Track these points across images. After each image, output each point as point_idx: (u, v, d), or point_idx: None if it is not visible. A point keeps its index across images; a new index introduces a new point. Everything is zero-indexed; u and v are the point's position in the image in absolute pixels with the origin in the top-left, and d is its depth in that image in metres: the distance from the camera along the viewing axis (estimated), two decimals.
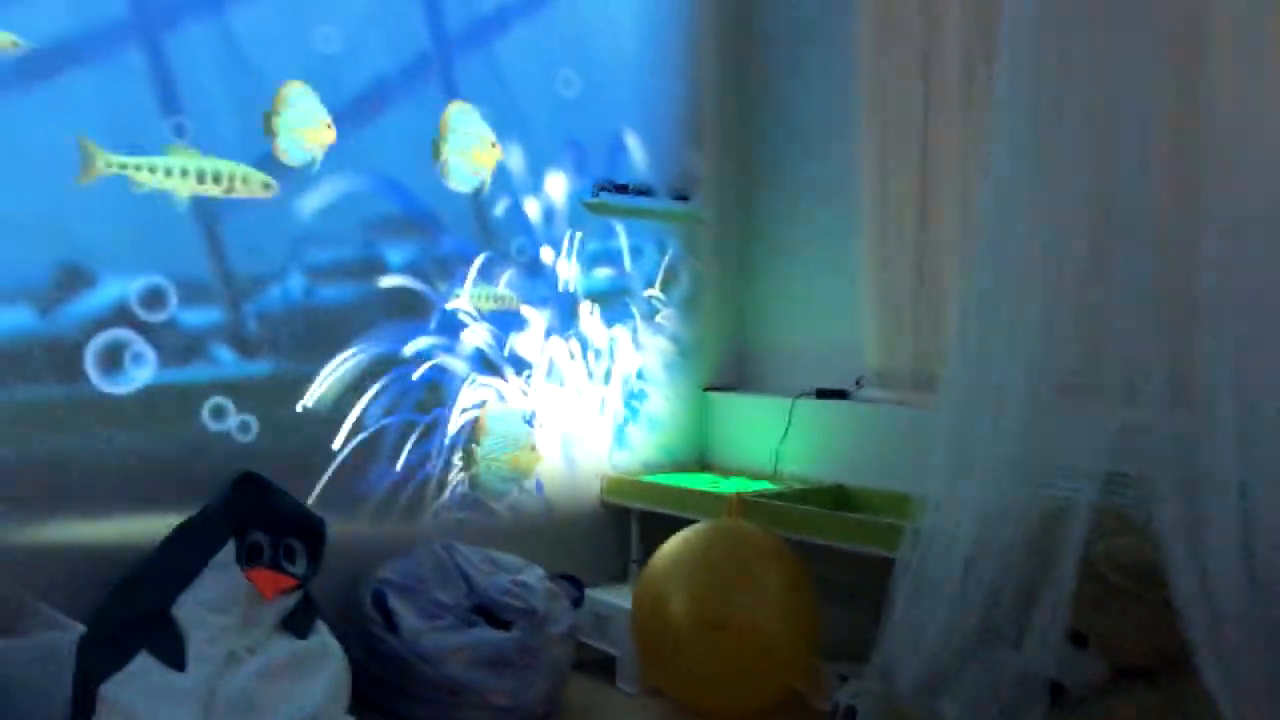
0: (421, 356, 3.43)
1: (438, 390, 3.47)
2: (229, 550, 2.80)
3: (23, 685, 2.51)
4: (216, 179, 3.02)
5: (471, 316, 3.54)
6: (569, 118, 3.73)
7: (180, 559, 2.79)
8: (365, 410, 3.31)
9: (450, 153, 3.47)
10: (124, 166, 2.90)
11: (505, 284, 3.61)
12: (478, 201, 3.55)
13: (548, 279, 3.71)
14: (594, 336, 3.83)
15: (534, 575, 3.27)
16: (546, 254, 3.70)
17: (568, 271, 3.75)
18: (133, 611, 2.72)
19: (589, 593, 3.41)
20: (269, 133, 3.12)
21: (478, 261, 3.54)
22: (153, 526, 2.89)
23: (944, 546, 2.66)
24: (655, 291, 3.99)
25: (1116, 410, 2.46)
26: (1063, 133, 2.58)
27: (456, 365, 3.51)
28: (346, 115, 3.26)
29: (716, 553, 3.08)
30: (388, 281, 3.37)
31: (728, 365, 4.15)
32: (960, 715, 2.50)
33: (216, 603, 2.73)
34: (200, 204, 3.02)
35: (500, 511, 3.63)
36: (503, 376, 3.62)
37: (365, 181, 3.31)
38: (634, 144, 3.90)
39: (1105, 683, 2.44)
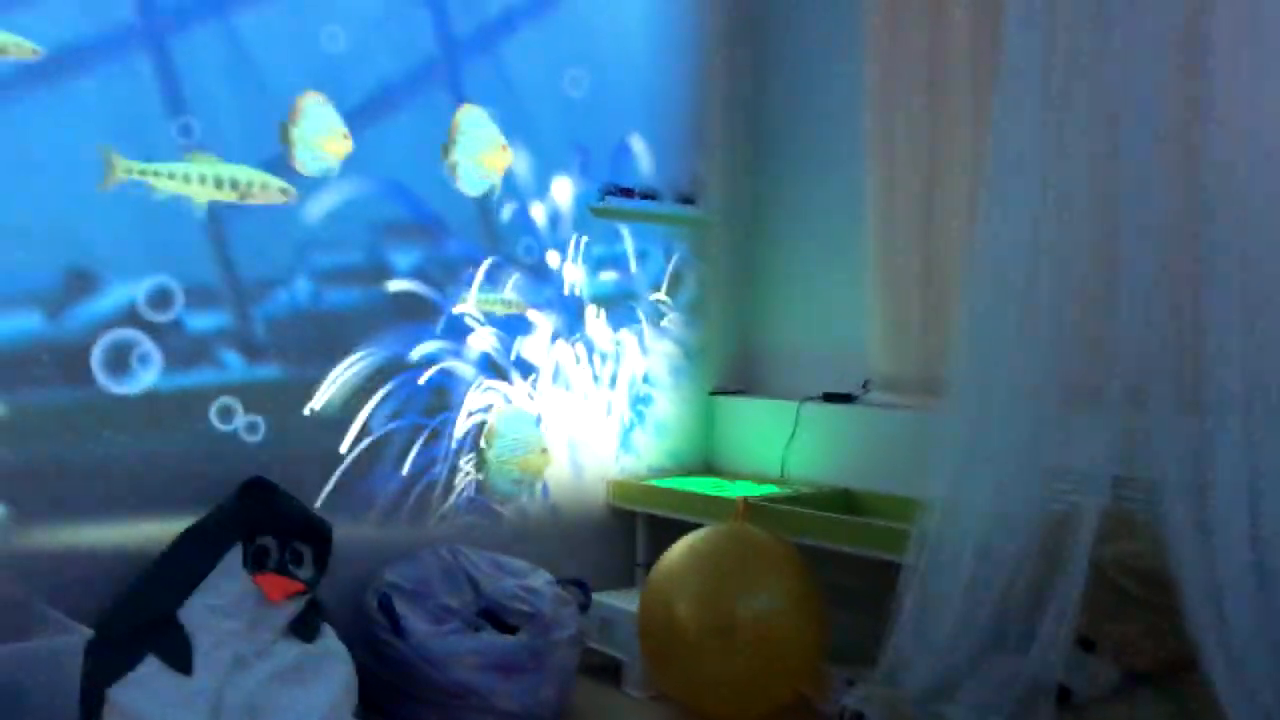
0: (428, 361, 3.44)
1: (444, 394, 3.48)
2: (236, 554, 2.80)
3: (31, 689, 2.51)
4: (234, 185, 3.03)
5: (478, 321, 3.54)
6: (575, 122, 3.73)
7: (187, 563, 2.80)
8: (372, 414, 3.32)
9: (460, 156, 3.48)
10: (144, 173, 2.91)
11: (511, 288, 3.61)
12: (484, 206, 3.55)
13: (554, 283, 3.71)
14: (600, 340, 3.83)
15: (540, 580, 3.27)
16: (552, 258, 3.71)
17: (574, 275, 3.75)
18: (140, 616, 2.72)
19: (595, 597, 3.41)
20: (285, 142, 3.13)
21: (484, 266, 3.55)
22: (160, 530, 2.89)
23: (951, 551, 2.66)
24: (661, 295, 3.99)
25: (1124, 414, 2.46)
26: (1067, 136, 2.58)
27: (463, 369, 3.51)
28: (353, 120, 3.26)
29: (723, 557, 3.08)
30: (394, 286, 3.37)
31: (734, 369, 4.15)
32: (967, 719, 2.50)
33: (224, 607, 2.73)
34: (208, 209, 3.03)
35: (507, 516, 3.63)
36: (509, 381, 3.62)
37: (372, 186, 3.31)
38: (640, 148, 3.90)
39: (1114, 688, 2.43)
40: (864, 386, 3.63)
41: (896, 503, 3.27)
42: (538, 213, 3.66)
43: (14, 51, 2.74)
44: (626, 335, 3.89)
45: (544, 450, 3.69)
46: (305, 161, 3.15)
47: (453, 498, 3.50)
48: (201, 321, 3.03)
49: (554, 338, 3.71)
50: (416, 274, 3.41)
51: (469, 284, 3.52)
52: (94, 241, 2.86)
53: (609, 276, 3.85)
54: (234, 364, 3.09)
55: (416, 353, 3.41)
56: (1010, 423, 2.63)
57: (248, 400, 3.10)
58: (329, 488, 3.24)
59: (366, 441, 3.31)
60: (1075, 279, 2.59)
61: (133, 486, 2.92)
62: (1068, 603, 2.40)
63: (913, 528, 2.77)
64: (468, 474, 3.54)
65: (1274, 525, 2.25)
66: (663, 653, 3.11)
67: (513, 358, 3.62)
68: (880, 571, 2.91)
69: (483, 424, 3.56)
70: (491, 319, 3.57)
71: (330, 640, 2.89)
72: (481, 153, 3.52)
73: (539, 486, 3.70)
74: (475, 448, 3.54)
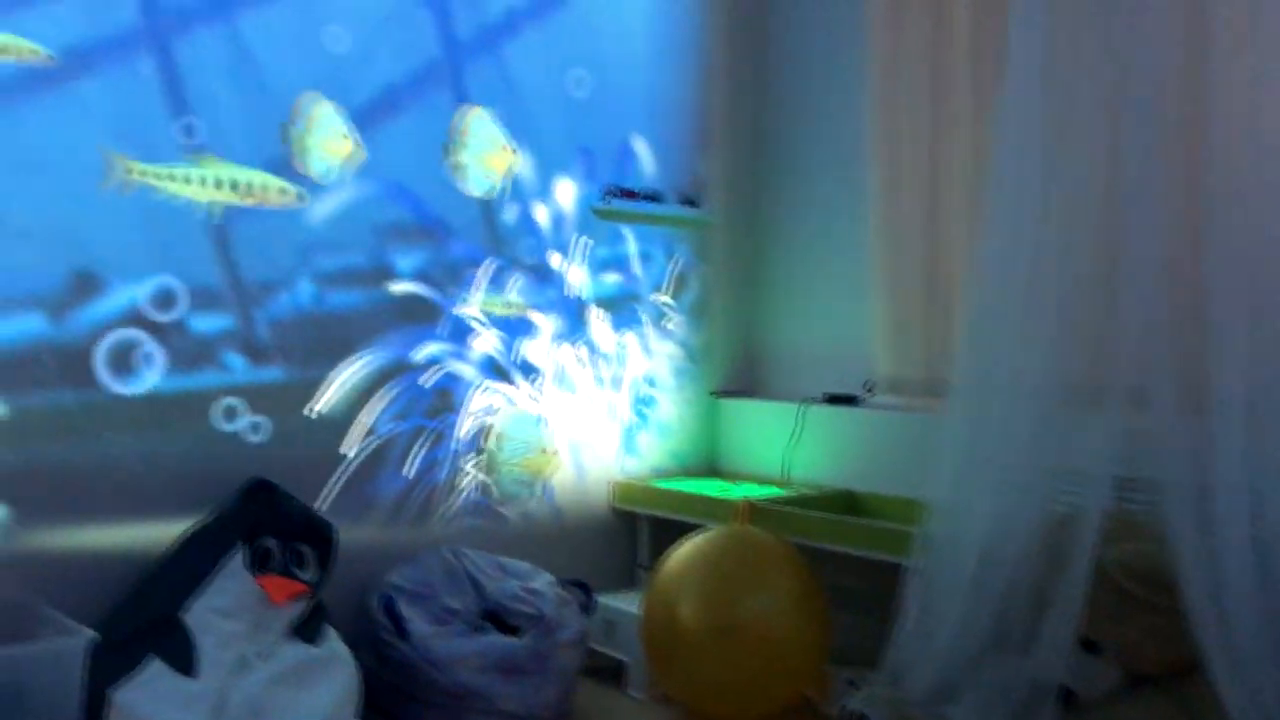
0: (431, 362, 3.44)
1: (447, 396, 3.48)
2: (239, 556, 2.80)
3: (34, 691, 2.52)
4: (243, 188, 3.04)
5: (481, 322, 3.54)
6: (578, 124, 3.73)
7: (191, 565, 2.80)
8: (375, 416, 3.32)
9: (464, 157, 3.48)
10: (156, 176, 2.92)
11: (514, 290, 3.61)
12: (487, 207, 3.55)
13: (556, 285, 3.71)
14: (603, 342, 3.83)
15: (543, 581, 3.27)
16: (555, 259, 3.71)
17: (577, 277, 3.75)
18: (143, 617, 2.72)
19: (598, 599, 3.41)
20: (296, 150, 3.14)
21: (487, 267, 3.55)
22: (163, 532, 2.90)
23: (954, 552, 2.66)
24: (664, 297, 3.99)
25: (1126, 415, 2.46)
26: (1070, 136, 2.58)
27: (466, 371, 3.52)
28: (357, 121, 3.26)
29: (726, 558, 3.08)
30: (397, 287, 3.38)
31: (737, 370, 4.15)
32: None
33: (227, 608, 2.73)
34: (213, 211, 3.03)
35: (510, 517, 3.63)
36: (512, 382, 3.62)
37: (375, 188, 3.32)
38: (643, 150, 3.90)
39: (1117, 689, 2.43)
40: (867, 388, 3.63)
41: (899, 504, 3.26)
42: (540, 214, 3.67)
43: (27, 56, 2.74)
44: (629, 337, 3.89)
45: (553, 452, 3.69)
46: (311, 166, 3.16)
47: (456, 499, 3.51)
48: (205, 323, 3.04)
49: (557, 339, 3.72)
50: (419, 276, 3.42)
51: (472, 285, 3.52)
52: (97, 243, 2.87)
53: (612, 278, 3.85)
54: (237, 366, 3.09)
55: (420, 354, 3.42)
56: (1013, 424, 2.62)
57: (251, 402, 3.11)
58: (332, 489, 3.25)
59: (370, 443, 3.31)
60: (1078, 279, 2.59)
61: (135, 488, 2.93)
62: (1070, 604, 2.40)
63: (915, 529, 2.77)
64: (471, 476, 3.54)
65: (1277, 526, 2.24)
66: (665, 654, 3.11)
67: (516, 359, 3.62)
68: (883, 573, 2.91)
69: (485, 426, 3.56)
70: (494, 320, 3.57)
71: (333, 642, 2.89)
72: (486, 153, 3.52)
73: (545, 488, 3.70)
74: (479, 449, 3.54)
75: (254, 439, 3.11)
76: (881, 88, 3.57)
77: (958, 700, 2.55)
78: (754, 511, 3.32)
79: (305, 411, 3.21)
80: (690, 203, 4.03)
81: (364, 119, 3.28)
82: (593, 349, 3.81)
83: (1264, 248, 2.32)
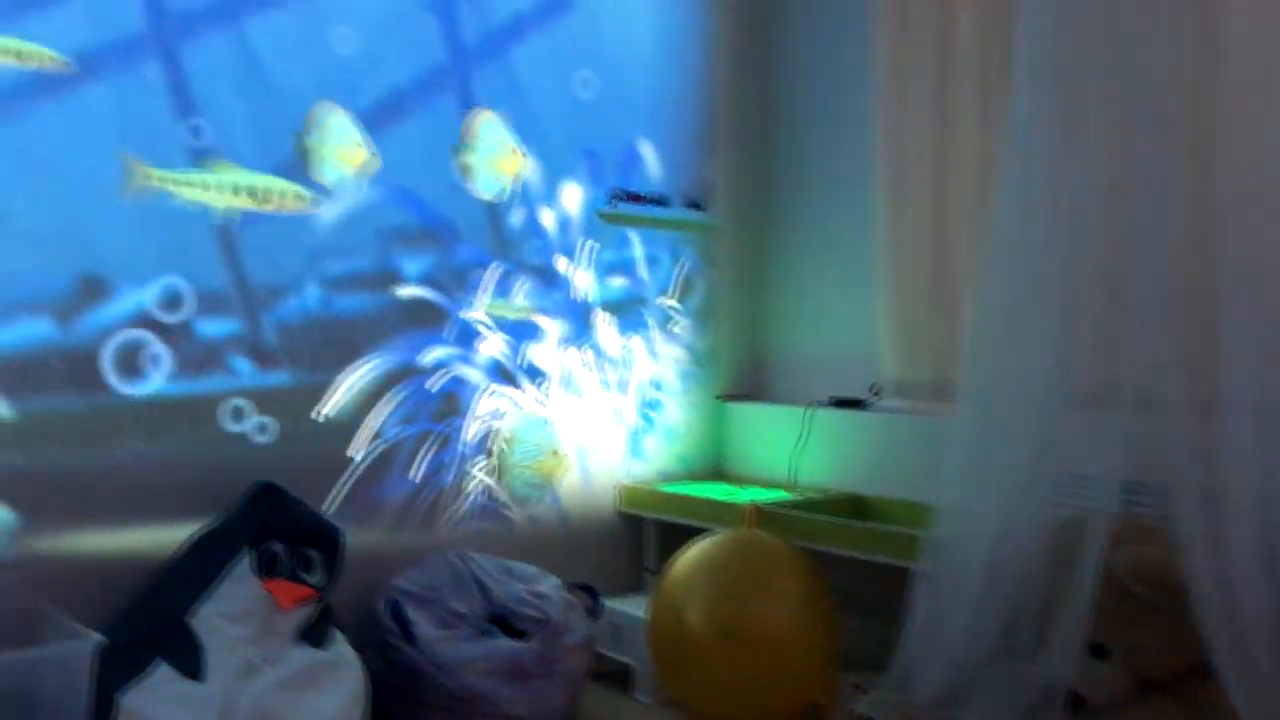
0: (438, 366, 3.44)
1: (454, 400, 3.48)
2: (246, 560, 2.80)
3: (41, 694, 2.53)
4: (255, 193, 3.04)
5: (487, 326, 3.55)
6: (584, 128, 3.73)
7: (198, 569, 2.80)
8: (382, 420, 3.32)
9: (473, 160, 3.48)
10: (177, 182, 2.93)
11: (521, 294, 3.61)
12: (494, 211, 3.55)
13: (563, 288, 3.71)
14: (609, 346, 3.83)
15: (550, 585, 3.26)
16: (562, 263, 3.71)
17: (582, 281, 3.75)
18: (150, 621, 2.72)
19: (605, 603, 3.40)
20: (308, 157, 3.14)
21: (494, 272, 3.55)
22: (170, 536, 2.90)
23: (962, 556, 2.65)
24: (670, 300, 3.99)
25: (1135, 419, 2.45)
26: (1078, 139, 2.57)
27: (473, 375, 3.52)
28: (364, 125, 3.26)
29: (733, 562, 3.08)
30: (404, 292, 3.38)
31: (743, 374, 4.15)
32: None
33: (234, 613, 2.73)
34: (221, 215, 3.04)
35: (516, 521, 3.63)
36: (519, 386, 3.62)
37: (382, 192, 3.32)
38: (649, 153, 3.90)
39: (1126, 695, 2.42)
40: (873, 391, 3.62)
41: (907, 508, 3.26)
42: (547, 218, 3.67)
43: (47, 63, 2.75)
44: (636, 340, 3.89)
45: (562, 455, 3.69)
46: (325, 174, 3.16)
47: (462, 503, 3.51)
48: (212, 327, 3.04)
49: (563, 343, 3.72)
50: (426, 280, 3.42)
51: (478, 290, 3.52)
52: (105, 247, 2.87)
53: (618, 282, 3.85)
54: (244, 369, 3.09)
55: (426, 358, 3.42)
56: (1020, 426, 2.61)
57: (258, 405, 3.11)
58: (339, 493, 3.25)
59: (377, 447, 3.32)
60: (1086, 283, 2.58)
61: (142, 492, 2.93)
62: (1079, 609, 2.39)
63: (922, 533, 2.76)
64: (477, 479, 3.54)
65: None
66: (672, 658, 3.10)
67: (522, 363, 3.62)
68: (890, 577, 2.90)
69: (492, 430, 3.56)
70: (501, 324, 3.57)
71: (341, 646, 2.89)
72: (496, 156, 3.52)
73: (554, 491, 3.70)
74: (486, 453, 3.54)
75: (261, 442, 3.12)
76: (887, 90, 3.57)
77: (966, 705, 2.55)
78: (761, 515, 3.32)
79: (312, 415, 3.21)
80: (696, 206, 4.03)
81: (371, 122, 3.28)
82: (599, 353, 3.81)
83: (1272, 249, 2.32)
